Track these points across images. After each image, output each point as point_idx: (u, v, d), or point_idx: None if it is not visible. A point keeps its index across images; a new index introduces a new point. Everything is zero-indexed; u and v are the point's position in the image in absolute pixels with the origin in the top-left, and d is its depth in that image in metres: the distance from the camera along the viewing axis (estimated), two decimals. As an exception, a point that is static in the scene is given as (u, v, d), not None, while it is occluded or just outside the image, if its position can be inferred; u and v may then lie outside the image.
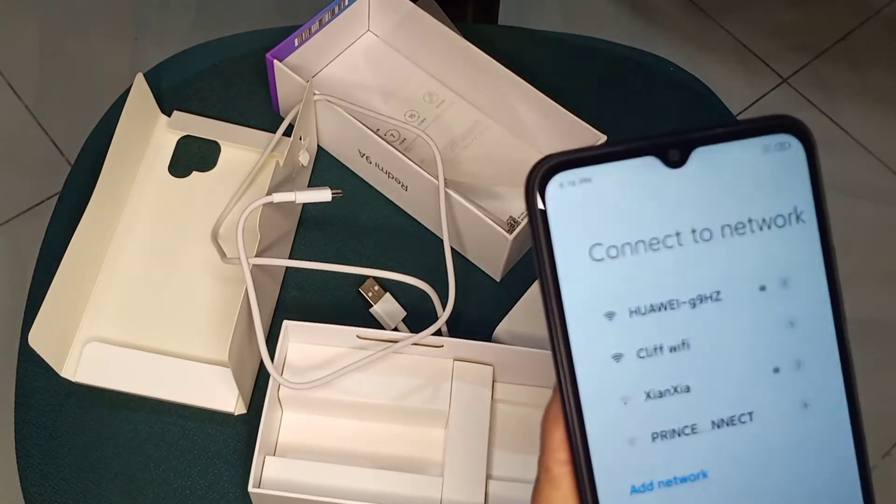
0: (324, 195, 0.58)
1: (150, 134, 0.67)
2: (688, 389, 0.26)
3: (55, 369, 0.56)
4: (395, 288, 0.61)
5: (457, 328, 0.60)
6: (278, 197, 0.56)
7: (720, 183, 0.25)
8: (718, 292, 0.26)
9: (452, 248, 0.63)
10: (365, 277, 0.61)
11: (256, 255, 0.55)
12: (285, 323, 0.54)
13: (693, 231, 0.25)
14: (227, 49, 0.73)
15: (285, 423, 0.56)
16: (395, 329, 0.60)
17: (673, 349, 0.26)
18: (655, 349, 0.26)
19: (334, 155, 0.67)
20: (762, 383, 0.26)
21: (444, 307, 0.56)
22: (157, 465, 0.55)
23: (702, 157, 0.25)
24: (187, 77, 0.71)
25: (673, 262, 0.25)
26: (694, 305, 0.26)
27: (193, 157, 0.67)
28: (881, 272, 1.34)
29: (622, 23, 1.56)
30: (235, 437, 0.56)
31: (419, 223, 0.65)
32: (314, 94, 0.62)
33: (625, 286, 0.25)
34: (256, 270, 0.55)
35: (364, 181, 0.67)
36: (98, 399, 0.57)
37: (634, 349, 0.25)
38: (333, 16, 0.67)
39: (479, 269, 0.63)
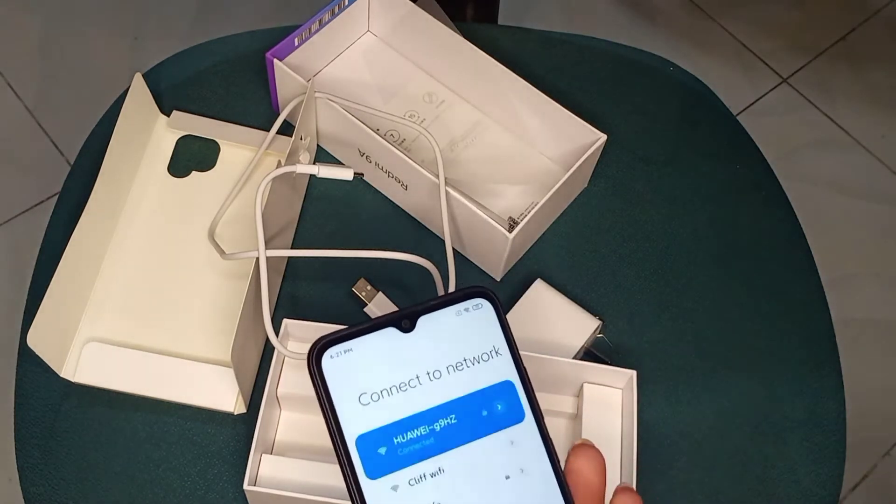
0: (346, 173, 0.58)
1: (150, 134, 0.67)
2: None
3: (54, 369, 0.56)
4: (389, 287, 0.61)
5: (457, 328, 0.60)
6: (301, 168, 0.56)
7: (441, 337, 0.35)
8: (454, 416, 0.35)
9: (452, 248, 0.63)
10: (357, 278, 0.61)
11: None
12: (285, 321, 0.54)
13: (427, 373, 0.35)
14: (227, 49, 0.73)
15: (284, 421, 0.56)
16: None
17: (433, 475, 0.34)
18: (421, 477, 0.34)
19: (334, 155, 0.67)
20: (498, 489, 0.34)
21: (445, 289, 0.56)
22: (157, 465, 0.55)
23: (425, 322, 0.35)
24: (187, 77, 0.71)
25: (418, 398, 0.34)
26: (439, 430, 0.34)
27: (193, 156, 0.67)
28: (881, 272, 1.34)
29: (622, 23, 1.56)
30: (235, 436, 0.56)
31: (419, 223, 0.65)
32: (315, 93, 0.62)
33: (390, 423, 0.34)
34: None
35: (364, 181, 0.67)
36: (98, 399, 0.57)
37: (406, 479, 0.34)
38: (333, 16, 0.67)
39: (480, 268, 0.63)
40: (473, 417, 0.35)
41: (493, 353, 0.36)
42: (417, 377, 0.35)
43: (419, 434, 0.34)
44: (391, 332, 0.35)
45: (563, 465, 0.35)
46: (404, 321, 0.35)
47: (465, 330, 0.36)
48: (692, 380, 0.60)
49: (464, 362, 0.35)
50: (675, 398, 0.59)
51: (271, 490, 0.50)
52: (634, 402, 0.52)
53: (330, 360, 0.34)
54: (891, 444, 1.19)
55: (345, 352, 0.34)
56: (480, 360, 0.36)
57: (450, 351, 0.35)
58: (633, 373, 0.53)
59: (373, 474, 0.33)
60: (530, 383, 0.36)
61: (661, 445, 0.58)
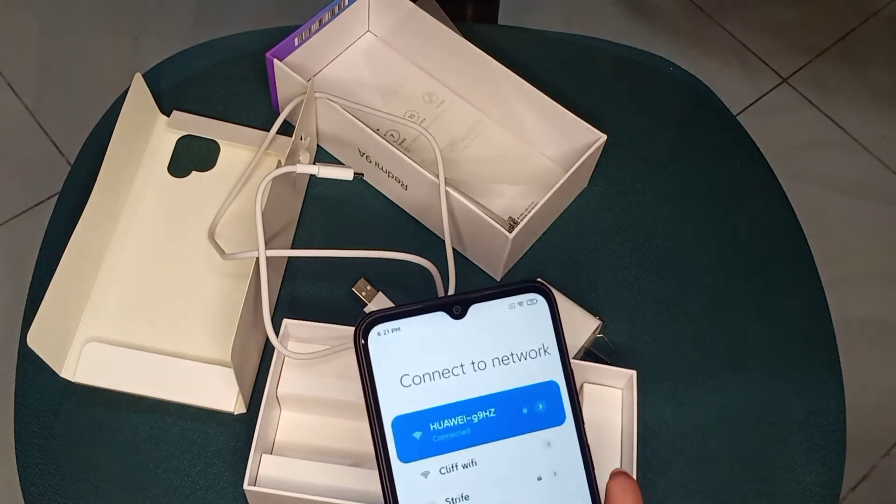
0: (346, 173, 0.58)
1: (149, 134, 0.67)
2: (467, 498, 0.34)
3: (54, 370, 0.56)
4: (389, 287, 0.61)
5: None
6: (301, 168, 0.56)
7: (490, 328, 0.35)
8: (494, 409, 0.34)
9: (452, 248, 0.63)
10: (357, 278, 0.61)
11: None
12: (285, 321, 0.54)
13: (472, 363, 0.34)
14: (227, 49, 0.73)
15: (284, 422, 0.56)
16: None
17: (465, 466, 0.33)
18: (453, 467, 0.33)
19: (334, 155, 0.67)
20: (528, 490, 0.34)
21: (445, 289, 0.56)
22: (156, 465, 0.55)
23: (476, 311, 0.35)
24: (187, 77, 0.71)
25: (459, 386, 0.34)
26: (477, 422, 0.34)
27: (193, 156, 0.67)
28: (881, 272, 1.34)
29: (622, 23, 1.56)
30: (235, 436, 0.56)
31: (419, 223, 0.65)
32: (315, 93, 0.62)
33: (428, 408, 0.34)
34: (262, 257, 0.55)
35: (364, 181, 0.67)
36: (98, 399, 0.57)
37: (437, 467, 0.33)
38: (333, 16, 0.67)
39: (479, 268, 0.63)
40: (513, 414, 0.34)
41: (542, 351, 0.35)
42: (462, 365, 0.34)
43: (456, 423, 0.34)
44: (441, 317, 0.34)
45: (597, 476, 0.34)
46: (456, 307, 0.34)
47: (517, 324, 0.35)
48: (692, 380, 0.60)
49: (510, 356, 0.35)
50: (675, 398, 0.59)
51: (271, 490, 0.50)
52: (634, 402, 0.52)
53: (377, 338, 0.34)
54: (891, 444, 1.19)
55: (392, 330, 0.34)
56: (528, 357, 0.35)
57: (498, 343, 0.35)
58: (633, 373, 0.53)
59: (405, 457, 0.33)
60: (575, 387, 0.35)
61: (661, 445, 0.58)
